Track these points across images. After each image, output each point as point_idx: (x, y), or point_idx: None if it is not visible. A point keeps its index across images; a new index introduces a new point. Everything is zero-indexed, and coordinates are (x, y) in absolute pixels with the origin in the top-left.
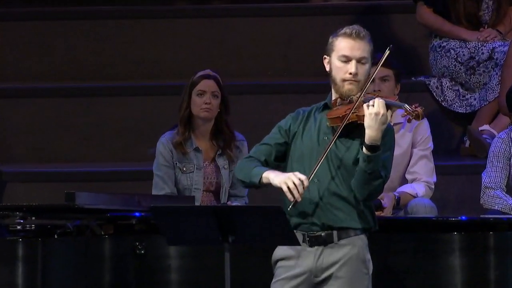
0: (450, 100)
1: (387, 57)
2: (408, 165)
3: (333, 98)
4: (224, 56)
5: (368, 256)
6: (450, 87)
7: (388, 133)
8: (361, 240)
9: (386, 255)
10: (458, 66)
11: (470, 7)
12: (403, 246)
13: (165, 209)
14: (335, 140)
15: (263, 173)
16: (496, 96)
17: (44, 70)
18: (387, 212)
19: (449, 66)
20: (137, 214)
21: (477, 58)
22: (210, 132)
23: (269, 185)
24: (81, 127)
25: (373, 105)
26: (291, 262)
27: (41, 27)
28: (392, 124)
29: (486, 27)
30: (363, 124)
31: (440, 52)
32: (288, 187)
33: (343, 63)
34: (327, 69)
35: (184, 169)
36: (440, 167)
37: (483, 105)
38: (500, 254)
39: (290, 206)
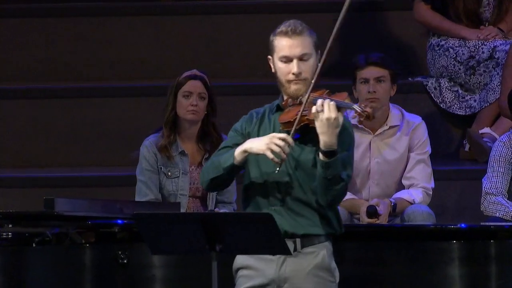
0: (449, 101)
1: (383, 57)
2: (404, 170)
3: (285, 98)
4: (212, 55)
5: (334, 264)
6: (449, 88)
7: (344, 131)
8: (325, 248)
9: (382, 265)
10: (458, 66)
11: (470, 3)
12: (399, 255)
13: (149, 216)
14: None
15: (233, 151)
16: (497, 97)
17: (20, 70)
18: (383, 220)
19: (448, 66)
20: (119, 221)
21: (477, 57)
22: (196, 135)
23: (245, 160)
24: (61, 130)
25: (323, 110)
26: (253, 271)
27: (16, 24)
28: (387, 127)
29: (487, 25)
30: (311, 126)
31: (438, 51)
32: (273, 151)
33: (284, 64)
34: (273, 70)
35: (169, 174)
36: (438, 172)
37: (483, 106)
38: (501, 264)
39: (278, 169)
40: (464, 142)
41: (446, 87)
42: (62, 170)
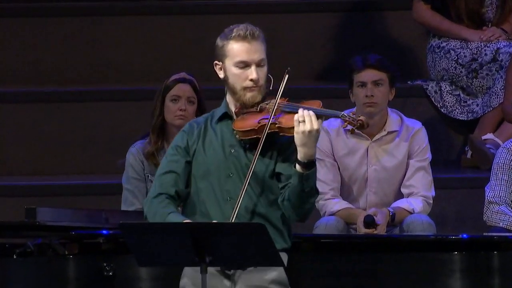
0: (450, 106)
1: (381, 59)
2: (403, 177)
3: (232, 106)
4: (201, 57)
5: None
6: (450, 91)
7: None
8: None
9: (380, 278)
10: (459, 69)
11: (472, 3)
12: (398, 267)
13: (136, 226)
14: (246, 153)
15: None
16: (500, 101)
17: (0, 72)
18: (381, 230)
19: (449, 68)
20: (104, 232)
21: (479, 59)
22: None
23: None
24: (43, 136)
25: (304, 121)
26: None
27: None
28: (386, 132)
29: (489, 26)
30: (282, 134)
31: (439, 53)
32: None
33: (241, 70)
34: (221, 76)
35: None
36: (439, 180)
37: (486, 111)
38: (505, 276)
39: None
40: (466, 148)
41: (447, 91)
42: (44, 178)
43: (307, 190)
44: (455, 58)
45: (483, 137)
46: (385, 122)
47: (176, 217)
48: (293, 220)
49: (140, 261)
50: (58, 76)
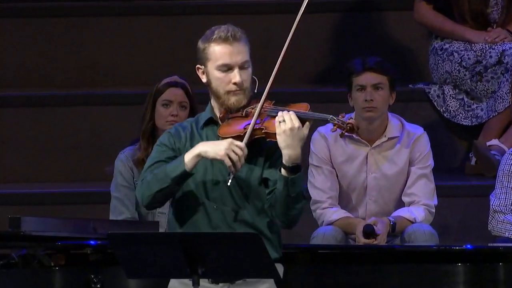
0: (453, 110)
1: (381, 62)
2: (404, 185)
3: (217, 111)
4: (193, 59)
5: None
6: (454, 95)
7: None
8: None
9: None
10: (463, 72)
11: (476, 3)
12: (399, 279)
13: (125, 236)
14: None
15: (182, 158)
16: (506, 106)
17: None
18: (381, 240)
19: (452, 71)
20: (92, 242)
21: (484, 62)
22: None
23: (194, 167)
24: (26, 142)
25: (284, 121)
26: None
27: None
28: (386, 138)
29: (494, 27)
30: (268, 140)
31: (441, 55)
32: (231, 159)
33: (224, 73)
34: (204, 80)
35: None
36: (441, 188)
37: (491, 116)
38: None
39: (230, 181)
40: (470, 155)
41: (450, 94)
42: (29, 186)
43: (293, 196)
44: (458, 60)
45: (488, 143)
46: (385, 128)
47: (174, 162)
48: (279, 226)
49: (129, 273)
50: (43, 80)
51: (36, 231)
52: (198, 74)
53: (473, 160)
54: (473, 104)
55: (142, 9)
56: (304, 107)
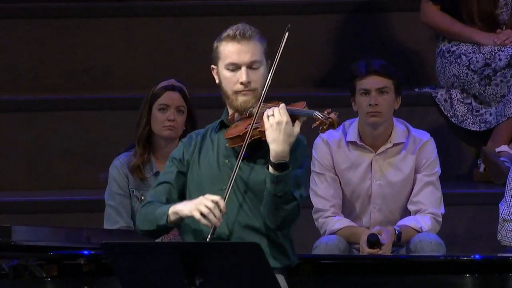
0: (461, 115)
1: (386, 65)
2: (410, 193)
3: (230, 113)
4: (191, 63)
5: None
6: (461, 100)
7: (298, 146)
8: (281, 281)
9: None
10: (471, 75)
11: (485, 4)
12: None
13: (120, 246)
14: (240, 162)
15: (168, 210)
16: None
17: None
18: (386, 250)
19: (459, 74)
20: (85, 252)
21: (493, 65)
22: None
23: (179, 221)
24: (17, 148)
25: (273, 114)
26: None
27: None
28: (391, 144)
29: (504, 28)
30: (264, 139)
31: (449, 58)
32: (202, 213)
33: (231, 72)
34: (217, 81)
35: (142, 198)
36: (449, 196)
37: (500, 121)
38: None
39: (209, 236)
40: (478, 162)
41: (458, 99)
42: (20, 194)
43: (280, 195)
44: (466, 63)
45: (497, 149)
46: (390, 133)
47: (163, 208)
48: (291, 232)
49: (124, 284)
50: (33, 83)
51: (28, 241)
52: (213, 74)
53: (482, 167)
54: (481, 108)
55: (138, 10)
56: (299, 105)
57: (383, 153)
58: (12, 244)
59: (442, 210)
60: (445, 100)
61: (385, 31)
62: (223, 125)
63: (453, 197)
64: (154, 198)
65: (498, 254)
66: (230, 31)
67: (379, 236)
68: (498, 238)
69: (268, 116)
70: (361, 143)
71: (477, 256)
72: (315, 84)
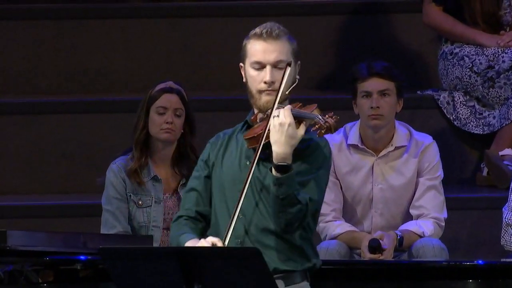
0: (464, 118)
1: (388, 67)
2: (412, 197)
3: (255, 113)
4: (189, 64)
5: None
6: (464, 102)
7: (316, 149)
8: (303, 283)
9: None
10: (474, 77)
11: (488, 5)
12: None
13: (117, 251)
14: (255, 164)
15: (184, 243)
16: None
17: None
18: (388, 255)
19: (462, 77)
20: (82, 257)
21: (496, 67)
22: (171, 158)
23: None
24: (13, 151)
25: (278, 116)
26: None
27: None
28: (393, 148)
29: (507, 30)
30: None
31: (451, 60)
32: None
33: (257, 71)
34: (244, 79)
35: (140, 202)
36: (451, 200)
37: (504, 124)
38: None
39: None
40: (481, 165)
41: (460, 101)
42: (15, 198)
43: (282, 197)
44: (469, 65)
45: (501, 153)
46: (392, 136)
47: (184, 238)
48: (311, 233)
49: None
50: (30, 86)
51: (23, 246)
52: (241, 72)
53: (485, 170)
54: (484, 111)
55: (136, 11)
56: (310, 108)
57: (384, 156)
58: (7, 249)
59: (444, 214)
60: (448, 103)
61: (387, 33)
62: (248, 125)
63: (456, 202)
64: (182, 211)
65: (502, 260)
66: (257, 29)
67: (380, 241)
68: (501, 243)
69: (273, 117)
70: (363, 146)
71: (480, 262)
72: (316, 86)
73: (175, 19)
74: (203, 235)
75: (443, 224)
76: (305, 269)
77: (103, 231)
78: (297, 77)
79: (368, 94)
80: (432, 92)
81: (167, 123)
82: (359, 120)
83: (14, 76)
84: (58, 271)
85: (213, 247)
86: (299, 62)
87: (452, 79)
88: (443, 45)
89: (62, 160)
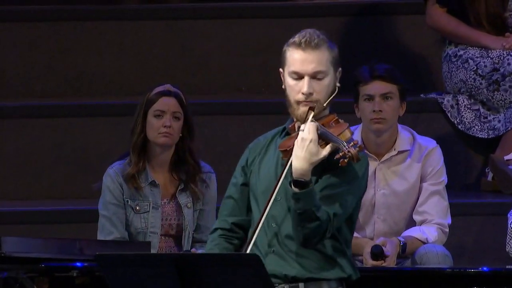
0: (468, 122)
1: (391, 70)
2: (416, 203)
3: (294, 122)
4: (187, 67)
5: None
6: (469, 106)
7: (350, 163)
8: None
9: None
10: (479, 80)
11: (493, 6)
12: None
13: (114, 257)
14: (283, 177)
15: None
16: None
17: None
18: (390, 262)
19: (467, 80)
20: (78, 264)
21: (502, 70)
22: (169, 163)
23: None
24: (8, 156)
25: (303, 130)
26: None
27: None
28: (396, 152)
29: None
30: None
31: (455, 62)
32: None
33: (295, 81)
34: (283, 86)
35: (137, 208)
36: (456, 206)
37: (509, 128)
38: None
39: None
40: (486, 170)
41: (465, 105)
42: (10, 204)
43: (299, 212)
44: (474, 68)
45: (506, 158)
46: (395, 141)
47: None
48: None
49: None
50: (24, 89)
51: (18, 252)
52: (281, 78)
53: (490, 175)
54: (489, 115)
55: (133, 13)
56: (342, 126)
57: (387, 161)
58: (2, 255)
59: (448, 220)
60: (452, 106)
61: (390, 35)
62: (287, 132)
63: (460, 207)
64: (219, 222)
65: (507, 266)
66: (297, 38)
67: (383, 247)
68: (507, 250)
69: (301, 130)
70: (365, 151)
71: (485, 269)
72: None
73: (173, 21)
74: (241, 246)
75: (447, 230)
76: (338, 279)
77: (99, 237)
78: (338, 84)
79: (370, 98)
80: (436, 95)
81: (165, 127)
82: (361, 124)
83: (7, 79)
84: (54, 278)
85: (212, 254)
86: (340, 69)
87: (456, 82)
88: (447, 47)
89: (58, 165)
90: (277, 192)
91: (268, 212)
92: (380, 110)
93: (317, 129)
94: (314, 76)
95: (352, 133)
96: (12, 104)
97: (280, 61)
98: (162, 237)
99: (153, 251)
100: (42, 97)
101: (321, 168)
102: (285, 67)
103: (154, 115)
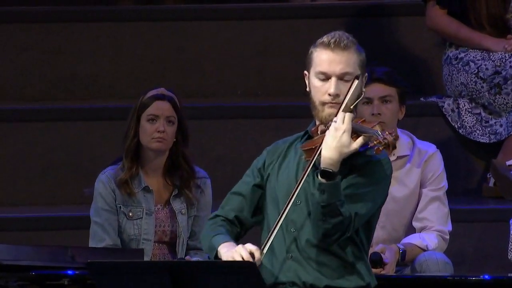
0: (469, 126)
1: (390, 72)
2: (415, 209)
3: (317, 124)
4: (182, 70)
5: None
6: (470, 110)
7: (375, 165)
8: None
9: None
10: (480, 83)
11: (494, 7)
12: None
13: (106, 265)
14: (306, 177)
15: (218, 246)
16: None
17: None
18: (389, 269)
19: (468, 83)
20: (70, 272)
21: (503, 73)
22: (163, 168)
23: None
24: None
25: (336, 121)
26: None
27: None
28: (395, 157)
29: None
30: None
31: (456, 65)
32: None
33: (321, 82)
34: (307, 88)
35: (130, 214)
36: (456, 212)
37: (511, 133)
38: None
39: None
40: (488, 175)
41: (466, 109)
42: (0, 210)
43: (323, 205)
44: (475, 71)
45: (508, 163)
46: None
47: (216, 241)
48: (367, 252)
49: None
50: (15, 92)
51: (8, 260)
52: (305, 80)
53: (491, 181)
54: (491, 119)
55: (127, 14)
56: (371, 124)
57: None
58: None
59: (449, 227)
60: (453, 110)
61: (389, 37)
62: (308, 136)
63: (461, 213)
64: (221, 211)
65: (509, 274)
66: (325, 38)
67: (382, 254)
68: (509, 257)
69: (334, 121)
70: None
71: (486, 276)
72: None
73: (167, 22)
74: (237, 240)
75: (448, 237)
76: (358, 286)
77: (91, 244)
78: (363, 90)
79: (369, 101)
80: (436, 99)
81: (158, 131)
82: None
83: None
84: (45, 286)
85: (207, 261)
86: (366, 74)
87: (457, 85)
88: (448, 49)
89: (49, 170)
90: (297, 196)
91: (287, 217)
92: (378, 113)
93: (352, 120)
94: (341, 77)
95: (382, 129)
96: (3, 108)
97: (306, 62)
98: (156, 244)
99: (146, 258)
100: (33, 101)
101: (347, 168)
102: (311, 68)
103: (148, 119)
